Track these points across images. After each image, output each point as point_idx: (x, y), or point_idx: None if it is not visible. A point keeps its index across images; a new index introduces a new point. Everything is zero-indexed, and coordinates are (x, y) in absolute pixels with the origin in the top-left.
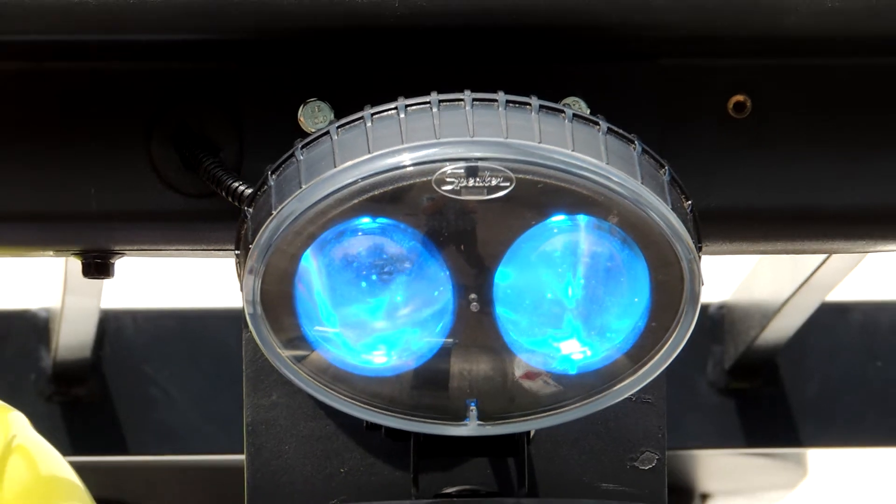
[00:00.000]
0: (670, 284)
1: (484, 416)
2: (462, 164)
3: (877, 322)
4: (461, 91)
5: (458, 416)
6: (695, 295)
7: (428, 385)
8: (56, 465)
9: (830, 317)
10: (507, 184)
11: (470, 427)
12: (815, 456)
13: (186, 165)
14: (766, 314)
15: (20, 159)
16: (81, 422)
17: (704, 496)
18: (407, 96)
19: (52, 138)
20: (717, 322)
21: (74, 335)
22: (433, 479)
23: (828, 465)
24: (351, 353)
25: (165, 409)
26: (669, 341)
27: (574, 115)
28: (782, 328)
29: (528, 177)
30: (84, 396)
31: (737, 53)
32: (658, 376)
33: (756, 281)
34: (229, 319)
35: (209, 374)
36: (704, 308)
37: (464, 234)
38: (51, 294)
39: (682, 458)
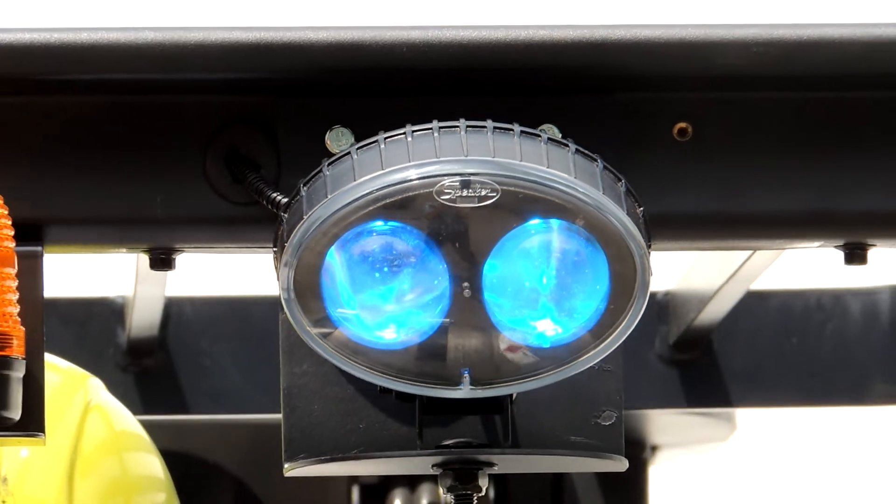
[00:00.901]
0: (625, 275)
1: (475, 382)
2: (457, 178)
3: (792, 307)
4: (457, 119)
5: (454, 382)
6: (645, 283)
7: (429, 356)
8: (127, 422)
9: (755, 302)
10: (494, 194)
11: (464, 391)
12: (742, 414)
13: (234, 179)
14: (703, 300)
15: (102, 175)
16: (150, 387)
17: (654, 447)
18: (413, 124)
19: (128, 158)
20: (663, 306)
21: (144, 317)
22: (435, 434)
23: (752, 421)
24: (366, 331)
25: (218, 377)
26: (625, 321)
27: (548, 138)
28: (715, 311)
29: (510, 188)
30: (152, 367)
31: (680, 89)
32: (616, 349)
33: (694, 273)
34: (269, 304)
35: (253, 349)
36: (653, 295)
37: (458, 234)
38: (125, 284)
39: (636, 417)
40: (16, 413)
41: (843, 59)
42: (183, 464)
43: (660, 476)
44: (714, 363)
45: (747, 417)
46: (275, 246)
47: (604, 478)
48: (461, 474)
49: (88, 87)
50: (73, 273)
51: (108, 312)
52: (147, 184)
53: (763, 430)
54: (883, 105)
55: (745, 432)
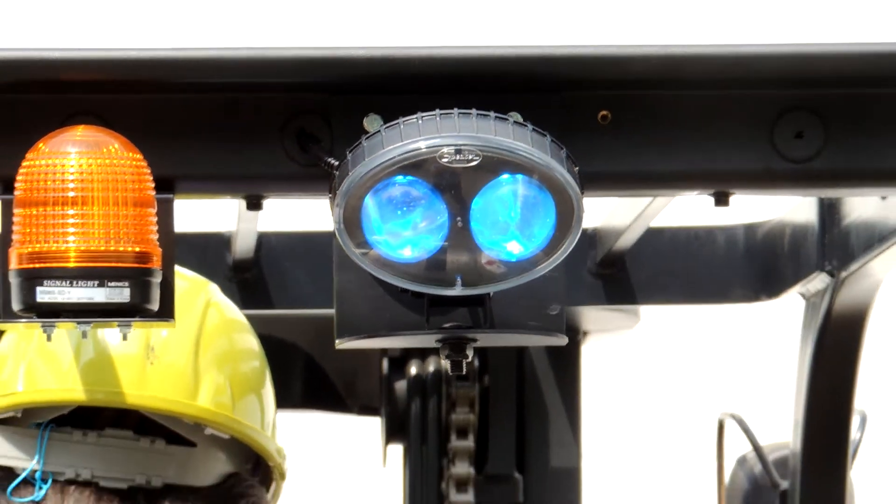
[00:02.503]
0: (566, 213)
1: (465, 284)
2: (452, 147)
3: (677, 237)
4: (452, 109)
5: (451, 284)
6: (580, 219)
7: (434, 267)
8: (234, 313)
9: (653, 235)
10: (477, 158)
11: (457, 290)
12: (644, 309)
13: (303, 150)
14: (618, 233)
15: (215, 147)
16: (247, 292)
17: (585, 332)
18: (422, 111)
19: (232, 135)
20: (592, 237)
21: (243, 245)
22: (437, 319)
23: (652, 314)
24: (391, 250)
25: (295, 285)
26: (566, 244)
27: (514, 121)
28: (627, 241)
29: (488, 154)
30: (249, 278)
31: (603, 88)
32: (560, 263)
33: (613, 213)
34: (327, 234)
35: (317, 266)
36: (585, 229)
37: (453, 184)
38: (231, 222)
39: (573, 311)
40: (155, 306)
41: (712, 68)
42: (269, 343)
43: (587, 352)
44: (625, 275)
45: (647, 311)
46: (330, 194)
47: (551, 352)
48: (455, 346)
49: (209, 88)
50: (196, 213)
51: (220, 241)
52: (245, 152)
53: (659, 320)
54: (737, 100)
55: (645, 321)
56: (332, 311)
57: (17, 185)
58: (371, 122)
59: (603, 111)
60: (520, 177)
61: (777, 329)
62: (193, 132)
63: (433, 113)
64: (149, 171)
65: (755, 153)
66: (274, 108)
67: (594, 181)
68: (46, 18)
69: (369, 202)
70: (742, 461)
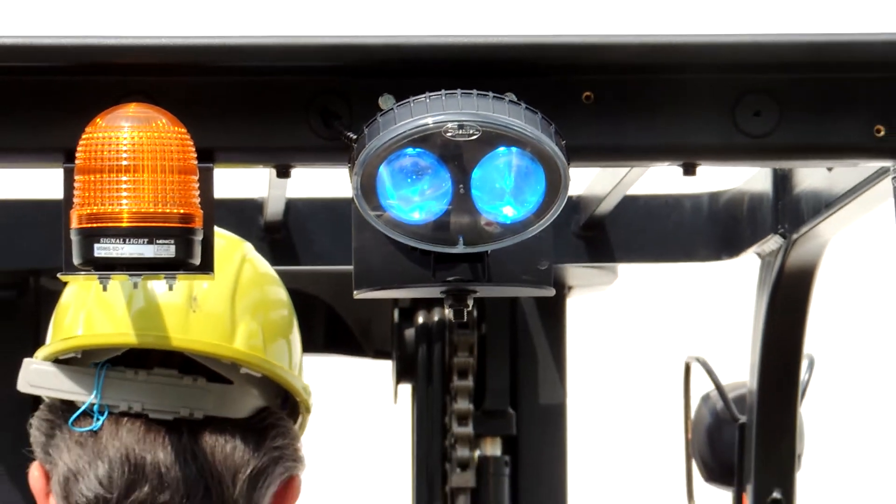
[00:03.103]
0: (554, 181)
1: (466, 243)
2: (456, 123)
3: (651, 204)
4: (456, 90)
5: (454, 243)
6: (566, 186)
7: (439, 228)
8: (267, 267)
9: (629, 201)
10: (477, 132)
11: (459, 248)
12: (621, 267)
13: (325, 125)
14: (599, 199)
15: (248, 122)
16: (277, 249)
17: (570, 287)
18: (430, 92)
19: (264, 113)
20: (576, 202)
21: (274, 209)
22: (442, 274)
23: (628, 271)
24: (402, 213)
25: (319, 245)
26: (554, 208)
27: (509, 100)
28: (608, 206)
29: (487, 129)
30: (279, 239)
31: (587, 73)
32: (548, 226)
33: (596, 182)
34: (346, 200)
35: (338, 227)
36: (570, 196)
37: (456, 155)
38: (262, 189)
39: (559, 268)
40: (197, 261)
41: (682, 55)
42: (296, 294)
43: (572, 305)
44: (605, 237)
45: (623, 268)
46: (349, 164)
47: (540, 303)
48: (457, 297)
49: (245, 71)
50: (232, 182)
51: (254, 206)
52: (275, 128)
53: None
54: (703, 83)
55: (623, 277)
56: (350, 267)
57: (77, 155)
58: (385, 101)
59: (587, 92)
60: (514, 149)
61: (736, 285)
62: (230, 109)
63: (439, 93)
64: (192, 143)
65: (719, 129)
66: (300, 89)
67: (579, 153)
68: (101, 8)
69: (383, 171)
70: (706, 398)
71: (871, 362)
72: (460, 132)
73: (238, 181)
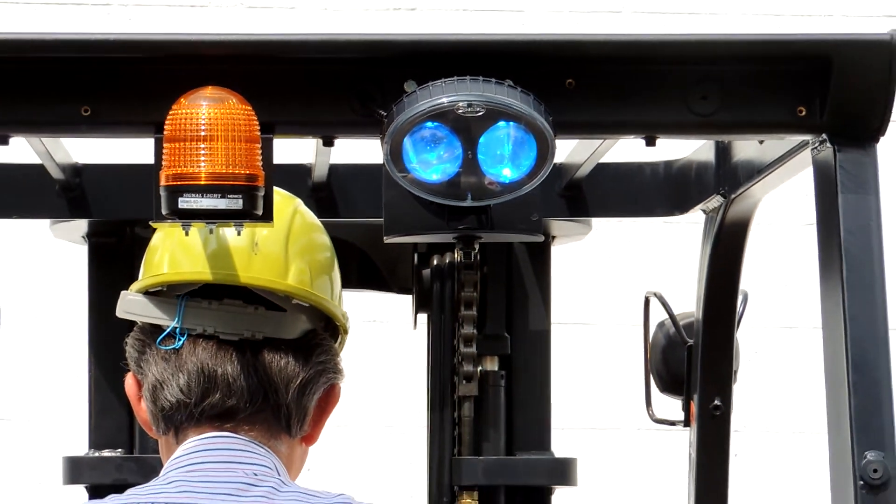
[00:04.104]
0: (544, 149)
1: (473, 198)
2: (465, 102)
3: (618, 170)
4: (465, 76)
5: (464, 198)
6: (552, 153)
7: (452, 186)
8: (314, 218)
9: (601, 167)
10: (482, 110)
11: (468, 203)
12: (595, 220)
13: (362, 105)
14: (577, 166)
15: (300, 100)
16: (323, 206)
17: (553, 237)
18: (445, 78)
19: (313, 92)
20: (559, 167)
21: (320, 171)
22: (454, 223)
23: (599, 224)
24: (423, 174)
25: (355, 201)
26: (542, 171)
27: (508, 85)
28: (584, 171)
29: (490, 107)
30: (323, 196)
31: (569, 63)
32: (538, 186)
33: (575, 151)
34: (378, 164)
35: (372, 187)
36: (555, 162)
37: (466, 128)
38: (311, 155)
39: (546, 221)
40: (259, 212)
41: (646, 50)
42: (336, 241)
43: (556, 251)
44: (582, 196)
45: (596, 222)
46: (380, 135)
47: (531, 248)
48: (466, 241)
49: (298, 61)
50: (287, 149)
51: (304, 170)
52: (322, 106)
53: (605, 229)
54: (662, 72)
55: (595, 230)
56: (380, 220)
57: (165, 127)
58: (409, 85)
59: (569, 79)
60: (512, 123)
61: (687, 235)
62: (286, 92)
63: (452, 79)
64: (255, 118)
65: (674, 109)
66: (342, 75)
67: (562, 128)
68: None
69: (407, 141)
70: (661, 325)
71: (793, 297)
72: (469, 110)
73: (292, 149)
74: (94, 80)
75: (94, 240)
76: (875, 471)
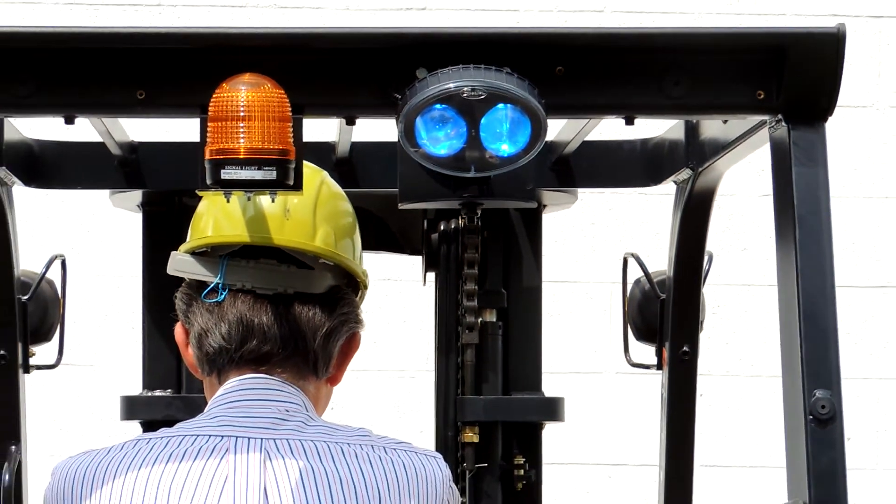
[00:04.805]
0: (537, 128)
1: (476, 170)
2: (470, 87)
3: (603, 146)
4: (469, 64)
5: (468, 170)
6: (544, 131)
7: (458, 160)
8: (339, 188)
9: (587, 145)
10: (484, 94)
11: (472, 174)
12: (581, 191)
13: (380, 89)
14: (566, 143)
15: (328, 85)
16: (346, 178)
17: (545, 205)
18: (451, 65)
19: (342, 77)
20: (550, 145)
21: (343, 148)
22: (460, 191)
23: (585, 195)
24: (432, 149)
25: (374, 173)
26: (536, 147)
27: (506, 72)
28: (570, 147)
29: (492, 91)
30: (345, 169)
31: (559, 53)
32: (532, 160)
33: (564, 129)
34: (393, 142)
35: (388, 161)
36: (548, 140)
37: (470, 110)
38: (333, 134)
39: (538, 190)
40: (291, 182)
41: (625, 41)
42: (358, 208)
43: (546, 218)
44: (569, 169)
45: (583, 193)
46: (395, 116)
47: (525, 214)
48: (470, 207)
49: (325, 52)
50: (316, 128)
51: (329, 147)
52: (345, 90)
53: (589, 199)
54: (640, 61)
55: (581, 200)
56: (395, 190)
57: (209, 108)
58: (420, 72)
59: (559, 67)
60: (509, 105)
61: (660, 204)
62: (315, 78)
63: (458, 66)
64: (287, 100)
65: (651, 93)
66: (363, 64)
67: (553, 109)
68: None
69: (419, 121)
70: (637, 281)
71: (751, 258)
72: (472, 93)
73: (319, 128)
74: (148, 68)
75: (148, 208)
76: (823, 407)
